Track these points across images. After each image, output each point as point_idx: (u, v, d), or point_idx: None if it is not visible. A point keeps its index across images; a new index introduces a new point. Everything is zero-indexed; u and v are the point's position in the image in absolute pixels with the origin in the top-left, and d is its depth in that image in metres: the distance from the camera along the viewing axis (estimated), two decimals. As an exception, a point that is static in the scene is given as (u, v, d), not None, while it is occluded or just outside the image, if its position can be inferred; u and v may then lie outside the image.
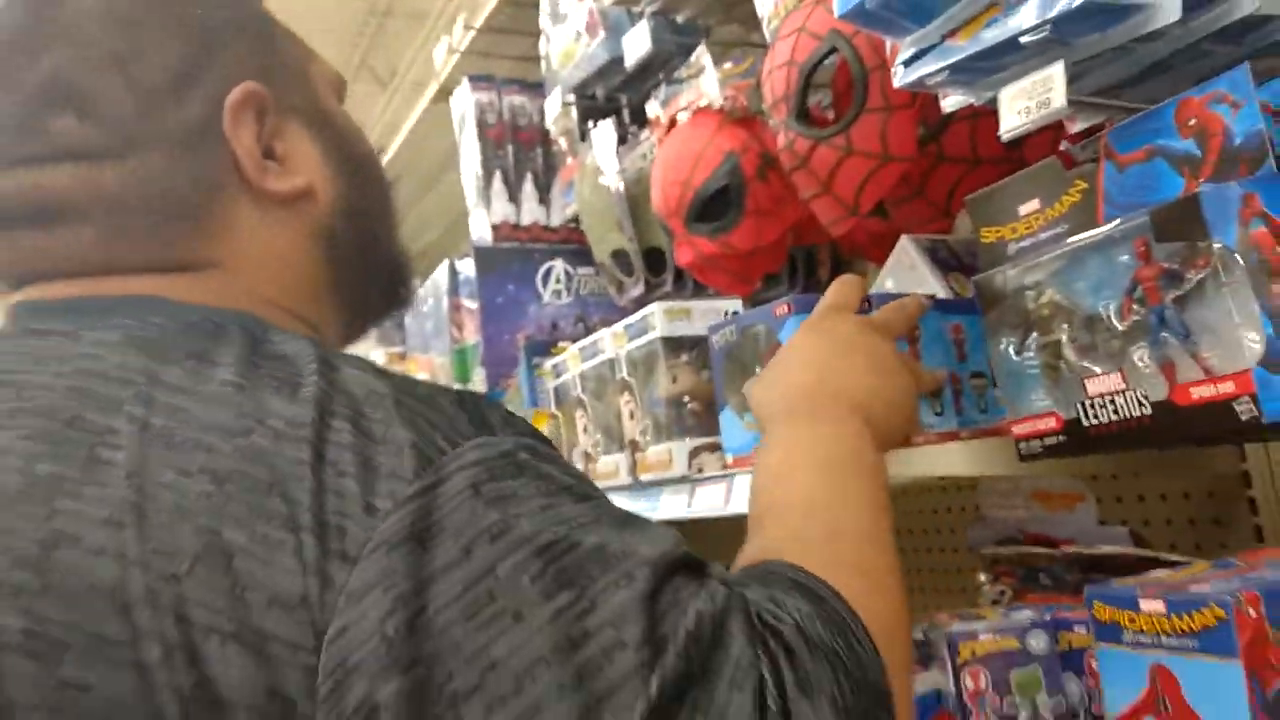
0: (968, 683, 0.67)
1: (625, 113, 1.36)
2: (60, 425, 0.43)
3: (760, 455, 0.59)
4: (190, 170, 0.52)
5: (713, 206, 1.06)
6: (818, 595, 0.44)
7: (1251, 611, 0.49)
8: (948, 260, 0.97)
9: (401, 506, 0.39)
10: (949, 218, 0.97)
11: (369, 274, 0.61)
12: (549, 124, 1.43)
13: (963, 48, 0.66)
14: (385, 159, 2.16)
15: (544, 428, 1.25)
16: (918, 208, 0.94)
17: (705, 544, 1.80)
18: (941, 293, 0.93)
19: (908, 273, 1.05)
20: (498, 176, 1.67)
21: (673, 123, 1.10)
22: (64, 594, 0.39)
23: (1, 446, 0.43)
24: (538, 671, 0.37)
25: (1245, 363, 0.56)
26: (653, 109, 1.19)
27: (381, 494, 0.40)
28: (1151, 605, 0.53)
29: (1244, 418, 0.56)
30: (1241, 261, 0.56)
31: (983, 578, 0.92)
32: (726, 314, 1.00)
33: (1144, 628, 0.53)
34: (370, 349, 2.10)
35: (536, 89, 1.64)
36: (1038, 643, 0.66)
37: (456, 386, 0.49)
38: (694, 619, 0.39)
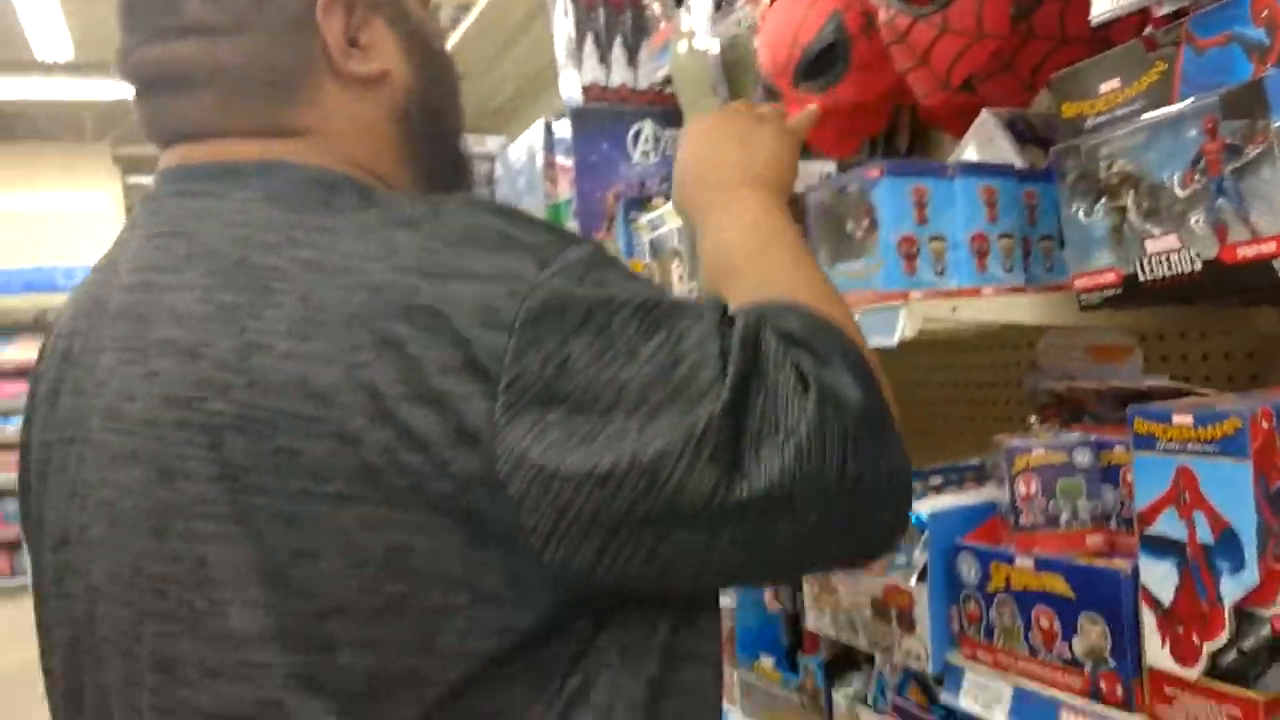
0: (1020, 488, 0.82)
1: (721, -22, 1.41)
2: (231, 265, 0.56)
3: (702, 246, 0.76)
4: (288, 50, 0.63)
5: (819, 64, 1.13)
6: (800, 311, 0.61)
7: (1265, 423, 0.62)
8: (1024, 133, 1.06)
9: (534, 291, 0.53)
10: (1031, 92, 1.04)
11: (437, 154, 0.71)
12: (645, -10, 1.49)
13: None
14: (474, 11, 2.21)
15: (638, 278, 1.38)
16: (1004, 82, 1.02)
17: None
18: (1018, 163, 1.02)
19: (987, 144, 1.13)
20: (589, 39, 1.73)
21: None
22: (266, 388, 0.53)
23: (186, 282, 0.57)
24: (652, 388, 0.53)
25: (1286, 227, 0.66)
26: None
27: (515, 286, 0.53)
28: (1182, 418, 0.66)
29: None
30: (1295, 139, 0.65)
31: (1033, 418, 1.05)
32: (821, 176, 1.11)
33: (1174, 437, 0.66)
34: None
35: (628, -50, 1.68)
36: (1082, 457, 0.80)
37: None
38: (740, 335, 0.56)
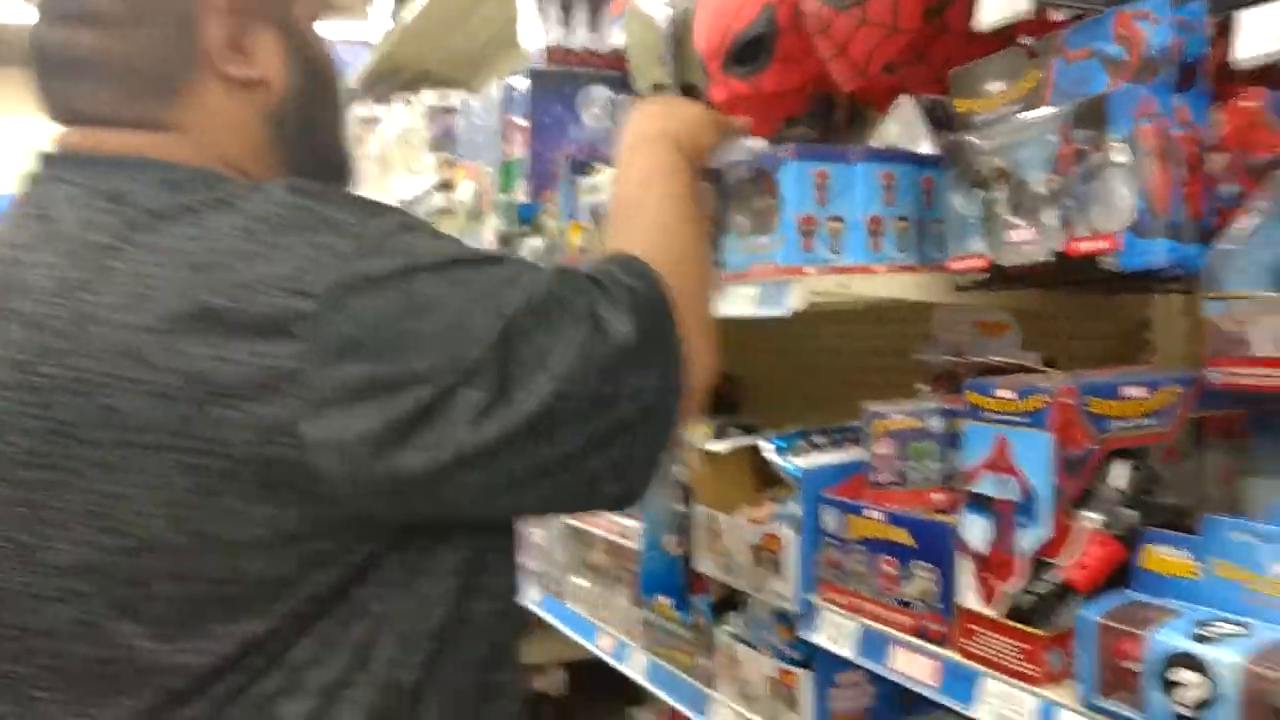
0: (878, 449, 0.90)
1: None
2: (79, 246, 0.63)
3: (615, 177, 0.89)
4: (174, 47, 0.69)
5: (749, 50, 1.20)
6: (622, 260, 0.72)
7: (1067, 400, 0.70)
8: (942, 119, 1.13)
9: (340, 263, 0.61)
10: (942, 84, 1.11)
11: (309, 156, 0.77)
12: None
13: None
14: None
15: (578, 238, 1.45)
16: (918, 72, 1.09)
17: None
18: (927, 147, 1.09)
19: (904, 127, 1.21)
20: (553, 0, 1.77)
21: None
22: (96, 354, 0.60)
23: (39, 260, 0.65)
24: (441, 335, 0.62)
25: (1119, 226, 0.74)
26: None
27: (322, 258, 0.61)
28: (1003, 393, 0.74)
29: (1106, 266, 0.75)
30: (1129, 150, 0.73)
31: (921, 386, 1.14)
32: (750, 151, 1.17)
33: (996, 408, 0.75)
34: (423, 154, 2.26)
35: (598, -85, 1.72)
36: (934, 423, 0.88)
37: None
38: (545, 279, 0.67)
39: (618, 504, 0.71)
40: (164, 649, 0.63)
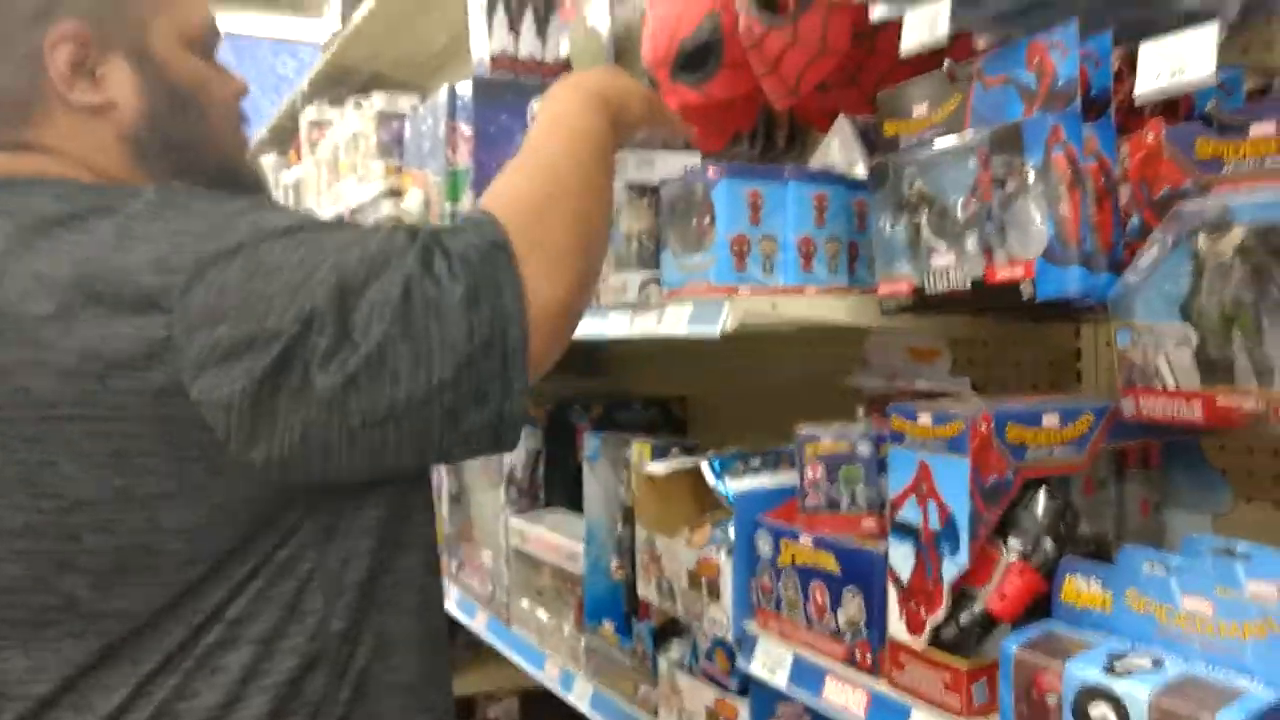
0: (809, 473, 0.90)
1: (620, -37, 1.45)
2: None
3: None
4: (24, 78, 0.77)
5: (696, 57, 1.18)
6: (471, 214, 0.78)
7: (983, 426, 0.70)
8: (875, 142, 1.13)
9: (200, 240, 0.70)
10: (873, 105, 1.11)
11: (189, 171, 0.82)
12: (548, -34, 1.52)
13: (880, -30, 0.80)
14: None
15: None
16: (850, 94, 1.09)
17: (638, 355, 2.05)
18: (860, 169, 1.09)
19: (841, 147, 1.21)
20: (500, 8, 1.75)
21: None
22: (5, 344, 0.69)
23: None
24: (289, 291, 0.69)
25: (1033, 254, 0.75)
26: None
27: (184, 240, 0.70)
28: (924, 418, 0.74)
29: (1024, 296, 0.75)
30: (1043, 178, 0.73)
31: (860, 410, 1.14)
32: (686, 168, 1.16)
33: (918, 434, 0.74)
34: (371, 160, 2.23)
35: (543, -76, 1.70)
36: (863, 448, 0.88)
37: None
38: (389, 234, 0.74)
39: (491, 440, 0.75)
40: (102, 597, 0.72)
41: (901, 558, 0.76)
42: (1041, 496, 0.75)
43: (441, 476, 1.75)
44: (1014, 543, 0.73)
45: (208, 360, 0.68)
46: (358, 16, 2.53)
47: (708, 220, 1.00)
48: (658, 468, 1.13)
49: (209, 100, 0.85)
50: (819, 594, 0.86)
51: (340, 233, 0.74)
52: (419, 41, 2.71)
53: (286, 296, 0.69)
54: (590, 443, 1.33)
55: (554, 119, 0.88)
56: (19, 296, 0.70)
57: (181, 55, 0.83)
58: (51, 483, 0.70)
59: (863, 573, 0.82)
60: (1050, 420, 0.74)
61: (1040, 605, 0.73)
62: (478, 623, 1.60)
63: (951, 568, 0.72)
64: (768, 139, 1.46)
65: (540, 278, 0.75)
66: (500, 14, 1.79)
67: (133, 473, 0.69)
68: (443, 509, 1.77)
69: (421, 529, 0.84)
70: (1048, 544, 0.74)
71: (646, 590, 1.13)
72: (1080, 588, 0.70)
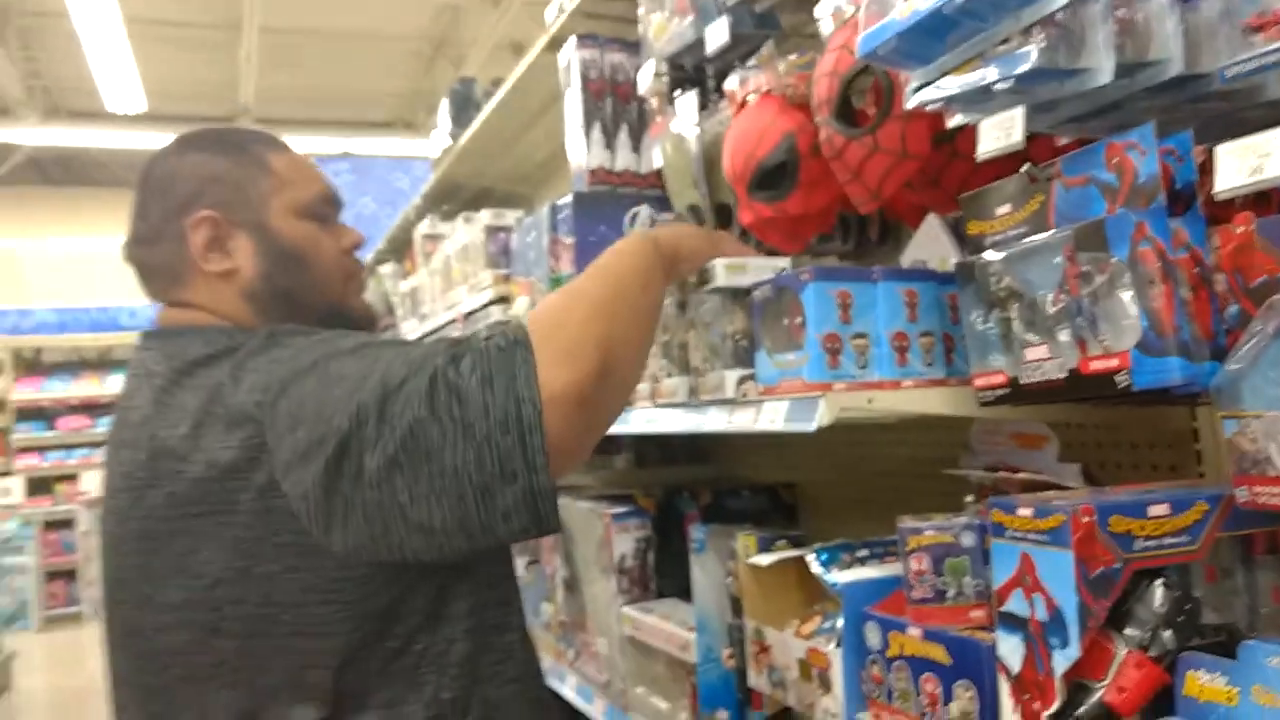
0: (913, 565, 0.91)
1: (710, 82, 1.55)
2: (155, 391, 0.95)
3: None
4: (175, 254, 1.02)
5: (772, 176, 1.26)
6: (500, 324, 0.96)
7: (1085, 518, 0.71)
8: (965, 237, 1.16)
9: (285, 367, 0.90)
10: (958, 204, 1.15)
11: (295, 316, 1.02)
12: (642, 90, 1.64)
13: (955, 84, 0.85)
14: (500, 93, 2.39)
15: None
16: (934, 195, 1.13)
17: (747, 443, 2.09)
18: (953, 261, 1.12)
19: (932, 242, 1.25)
20: (597, 126, 1.88)
21: (743, 103, 1.30)
22: (158, 459, 0.91)
23: (137, 403, 0.97)
24: (347, 395, 0.86)
25: (1126, 345, 0.76)
26: (731, 83, 1.38)
27: (276, 370, 0.90)
28: (1025, 510, 0.75)
29: (1120, 385, 0.77)
30: (1130, 271, 0.76)
31: (969, 498, 1.14)
32: (776, 271, 1.22)
33: (1018, 526, 0.76)
34: (481, 269, 2.38)
35: (635, 48, 1.84)
36: (968, 539, 0.89)
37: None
38: (432, 349, 0.89)
39: (531, 517, 0.84)
40: (244, 660, 0.89)
41: (1010, 650, 0.77)
42: (1157, 587, 0.74)
43: (556, 565, 1.80)
44: (1130, 634, 0.73)
45: (292, 460, 0.85)
46: (465, 136, 2.74)
47: (799, 320, 1.05)
48: (763, 559, 1.15)
49: (316, 256, 1.05)
50: (930, 686, 0.87)
51: (396, 347, 0.90)
52: (521, 157, 2.91)
53: (346, 399, 0.85)
54: (696, 534, 1.37)
55: (603, 261, 1.01)
56: (170, 424, 0.91)
57: (293, 224, 1.04)
58: (196, 566, 0.88)
59: (973, 664, 0.82)
60: (1158, 510, 0.74)
61: (1163, 700, 0.72)
62: (596, 709, 1.62)
63: (1062, 660, 0.72)
64: (861, 234, 1.51)
65: (553, 365, 0.85)
66: (596, 132, 1.92)
67: (249, 556, 0.86)
68: (557, 596, 1.82)
69: (515, 615, 1.00)
70: (1166, 635, 0.73)
71: (757, 680, 1.14)
72: (1203, 682, 0.69)
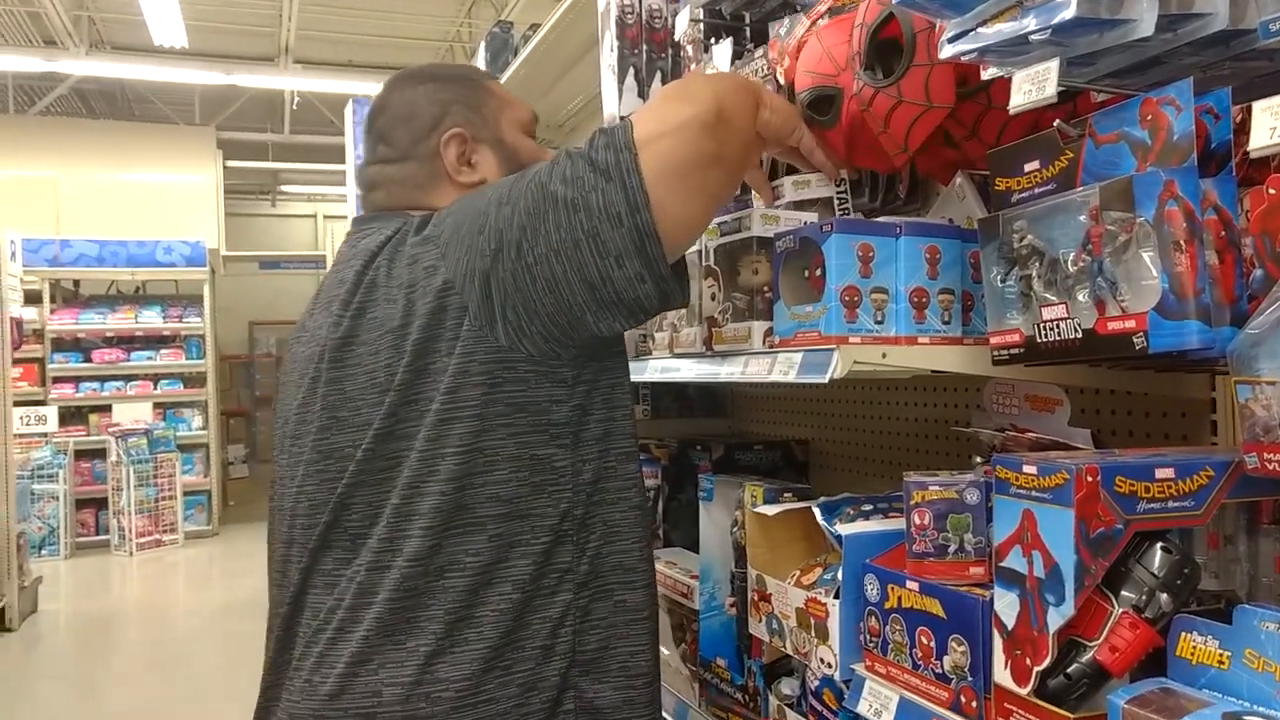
0: (916, 519, 0.91)
1: (747, 30, 1.52)
2: (361, 264, 1.04)
3: None
4: (426, 170, 1.13)
5: (819, 105, 1.22)
6: (610, 128, 0.98)
7: (1089, 478, 0.71)
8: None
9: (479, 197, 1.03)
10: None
11: None
12: (678, 36, 1.61)
13: (991, 33, 0.83)
14: (536, 37, 2.37)
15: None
16: (973, 146, 1.11)
17: (761, 398, 2.09)
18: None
19: (959, 201, 1.22)
20: (630, 74, 1.86)
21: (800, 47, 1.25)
22: (368, 288, 1.02)
23: (347, 277, 1.05)
24: (510, 183, 1.00)
25: (1145, 307, 0.75)
26: (773, 31, 1.35)
27: (451, 206, 1.04)
28: (1029, 468, 0.75)
29: (1137, 347, 0.75)
30: (1155, 232, 0.74)
31: (977, 459, 1.14)
32: (804, 223, 1.21)
33: (1022, 484, 0.75)
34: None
35: (672, -6, 1.81)
36: (971, 496, 0.89)
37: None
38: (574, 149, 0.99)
39: (640, 263, 0.93)
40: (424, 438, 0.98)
41: (1006, 605, 0.77)
42: (1157, 550, 0.74)
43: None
44: (1126, 595, 0.73)
45: (460, 256, 0.96)
46: (501, 81, 2.72)
47: (819, 272, 1.04)
48: (769, 509, 1.16)
49: (536, 162, 1.15)
50: (925, 639, 0.87)
51: (531, 169, 1.01)
52: (555, 105, 2.89)
53: (494, 199, 0.98)
54: (705, 483, 1.38)
55: (715, 76, 1.06)
56: (384, 267, 1.03)
57: (521, 139, 1.17)
58: (421, 390, 0.98)
59: (969, 619, 0.82)
60: (1164, 473, 0.73)
61: (1155, 661, 0.72)
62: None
63: (1056, 617, 0.72)
64: (889, 190, 1.49)
65: (647, 122, 0.95)
66: (630, 79, 1.90)
67: (425, 354, 0.97)
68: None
69: (635, 448, 1.08)
70: (1163, 598, 0.73)
71: (756, 627, 1.16)
72: (1196, 644, 0.69)
